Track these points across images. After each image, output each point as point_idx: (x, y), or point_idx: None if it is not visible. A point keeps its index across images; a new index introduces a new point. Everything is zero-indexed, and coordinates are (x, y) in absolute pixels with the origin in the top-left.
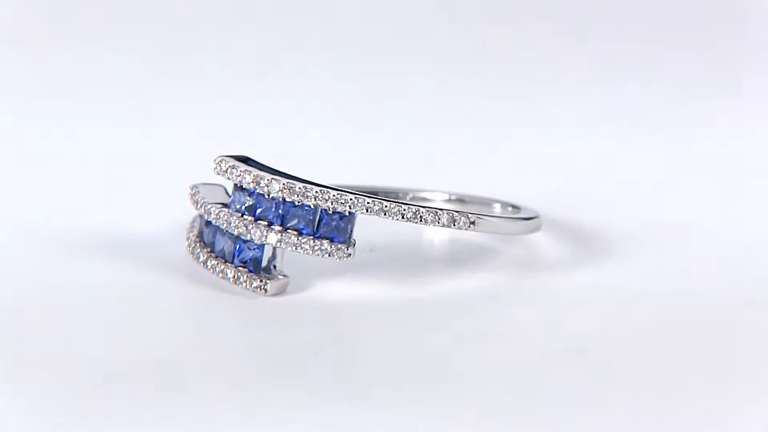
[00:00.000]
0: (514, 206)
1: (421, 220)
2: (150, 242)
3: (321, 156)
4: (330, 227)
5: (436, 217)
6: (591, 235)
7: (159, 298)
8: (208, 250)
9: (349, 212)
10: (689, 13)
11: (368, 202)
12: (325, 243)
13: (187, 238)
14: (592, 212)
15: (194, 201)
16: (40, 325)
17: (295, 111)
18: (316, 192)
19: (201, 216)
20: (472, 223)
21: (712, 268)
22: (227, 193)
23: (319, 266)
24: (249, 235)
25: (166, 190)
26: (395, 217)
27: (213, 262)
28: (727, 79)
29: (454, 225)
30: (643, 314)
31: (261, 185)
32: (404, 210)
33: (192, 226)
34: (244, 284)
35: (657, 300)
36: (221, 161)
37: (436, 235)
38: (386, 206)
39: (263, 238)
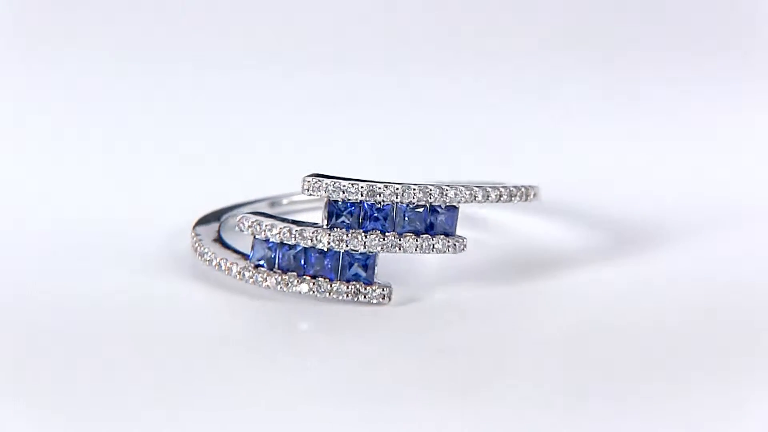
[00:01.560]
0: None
1: (511, 199)
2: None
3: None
4: (442, 223)
5: (523, 193)
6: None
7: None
8: (296, 274)
9: (459, 205)
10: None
11: (476, 191)
12: (443, 239)
13: (233, 271)
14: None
15: (261, 230)
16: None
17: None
18: (431, 189)
19: (261, 242)
20: (535, 194)
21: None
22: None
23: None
24: (364, 248)
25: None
26: (495, 201)
27: (312, 285)
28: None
29: (527, 199)
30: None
31: (374, 194)
32: (501, 192)
33: (205, 249)
34: (363, 297)
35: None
36: (315, 181)
37: None
38: (490, 192)
39: (384, 248)
